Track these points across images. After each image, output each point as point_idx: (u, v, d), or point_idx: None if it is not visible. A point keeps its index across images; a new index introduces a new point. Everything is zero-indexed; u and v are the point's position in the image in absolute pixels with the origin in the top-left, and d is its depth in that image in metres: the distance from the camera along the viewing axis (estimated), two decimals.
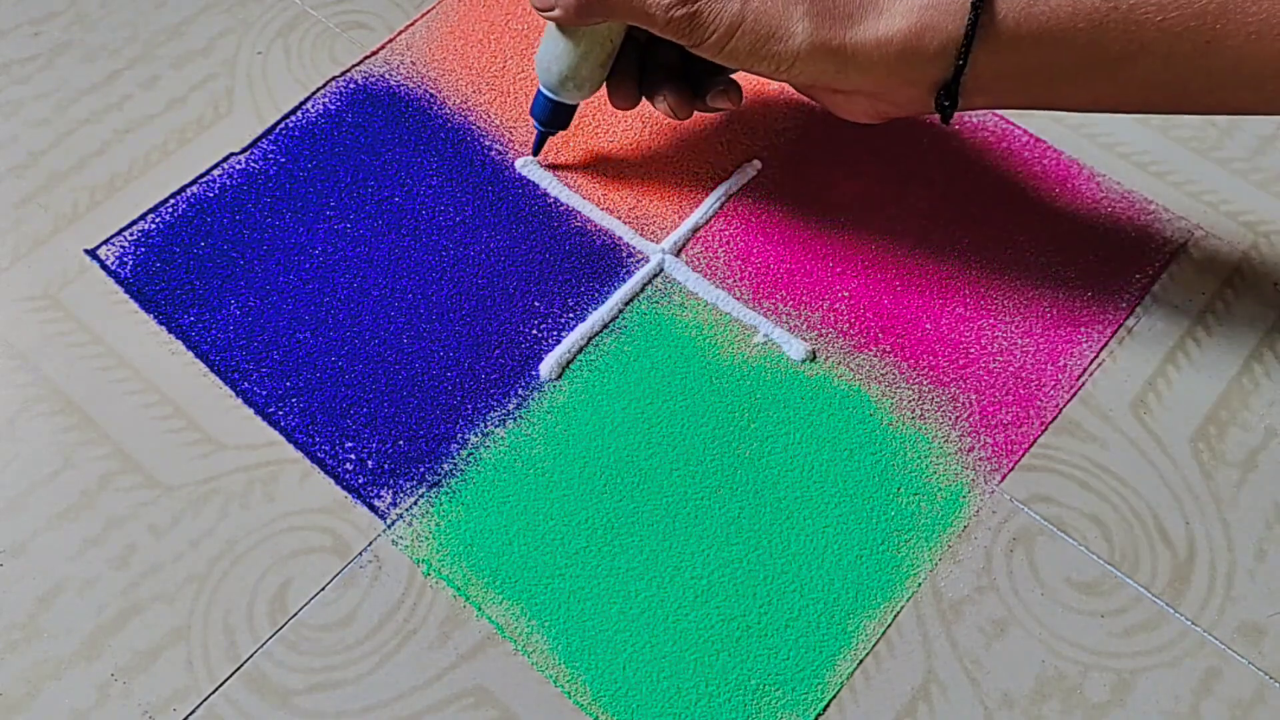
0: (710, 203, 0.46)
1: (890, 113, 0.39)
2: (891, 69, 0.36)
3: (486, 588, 0.38)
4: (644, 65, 0.42)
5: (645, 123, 0.48)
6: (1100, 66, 0.35)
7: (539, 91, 0.43)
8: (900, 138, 0.48)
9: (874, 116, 0.40)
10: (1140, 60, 0.34)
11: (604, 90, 0.43)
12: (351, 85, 0.49)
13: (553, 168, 0.47)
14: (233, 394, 0.41)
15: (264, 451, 0.40)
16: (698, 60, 0.40)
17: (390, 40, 0.50)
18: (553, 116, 0.44)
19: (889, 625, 0.37)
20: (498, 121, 0.48)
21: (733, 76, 0.42)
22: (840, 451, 0.40)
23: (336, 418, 0.41)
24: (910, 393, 0.42)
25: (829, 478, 0.40)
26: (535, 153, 0.46)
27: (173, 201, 0.46)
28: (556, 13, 0.39)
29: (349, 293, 0.43)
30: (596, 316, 0.43)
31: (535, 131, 0.45)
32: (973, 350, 0.43)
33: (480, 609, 0.37)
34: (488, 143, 0.47)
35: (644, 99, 0.43)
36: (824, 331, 0.43)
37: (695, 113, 0.43)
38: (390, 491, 0.39)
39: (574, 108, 0.44)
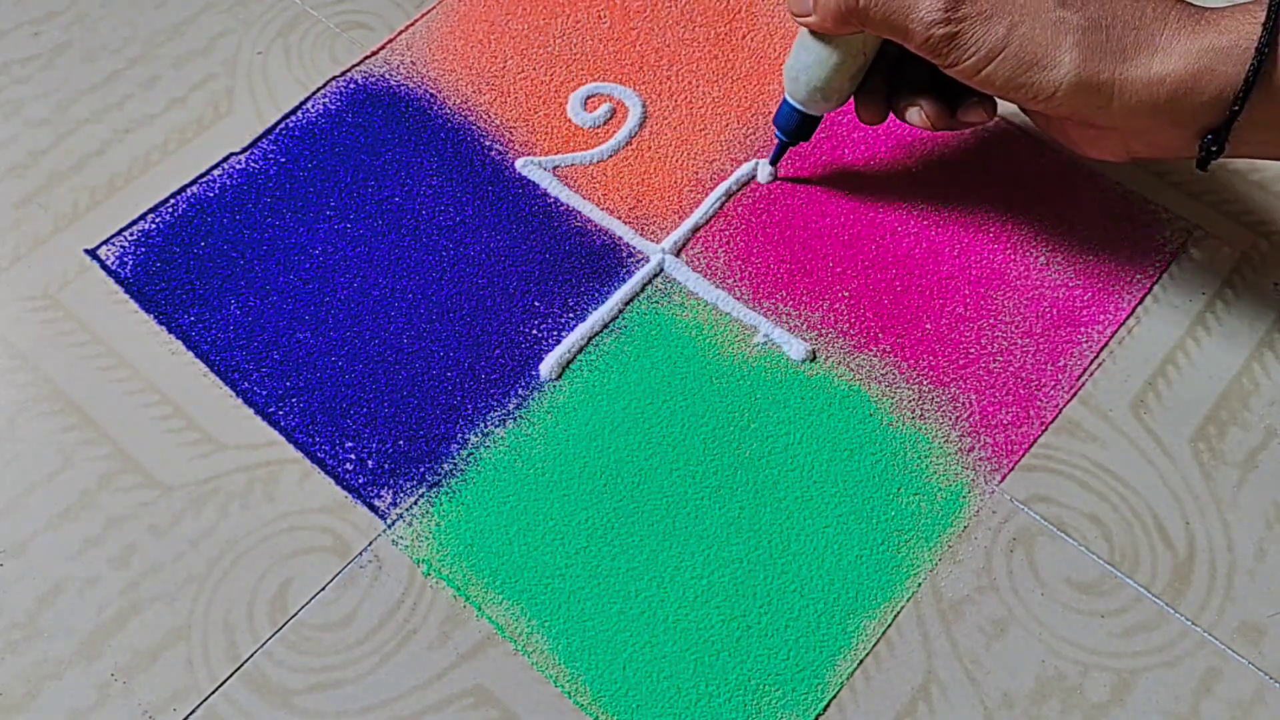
0: (710, 203, 0.46)
1: (1142, 153, 0.38)
2: (1159, 110, 0.35)
3: (486, 588, 0.38)
4: (893, 79, 0.41)
5: (646, 120, 0.48)
6: None
7: (784, 101, 0.42)
8: (901, 138, 0.48)
9: (1122, 155, 0.38)
10: None
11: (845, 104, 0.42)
12: (351, 85, 0.49)
13: (789, 180, 0.46)
14: (233, 394, 0.41)
15: (264, 451, 0.40)
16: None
17: (390, 40, 0.50)
18: (798, 128, 0.43)
19: (889, 625, 0.37)
20: (498, 121, 0.48)
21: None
22: (840, 451, 0.40)
23: (336, 418, 0.41)
24: (910, 393, 0.42)
25: (829, 478, 0.40)
26: (773, 163, 0.45)
27: (173, 201, 0.46)
28: (813, 19, 0.38)
29: (349, 293, 0.43)
30: (596, 316, 0.43)
31: (778, 140, 0.44)
32: (973, 350, 0.43)
33: (480, 609, 0.37)
34: (488, 143, 0.47)
35: (892, 113, 0.42)
36: (824, 331, 0.43)
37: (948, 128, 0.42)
38: (390, 491, 0.39)
39: (819, 119, 0.43)
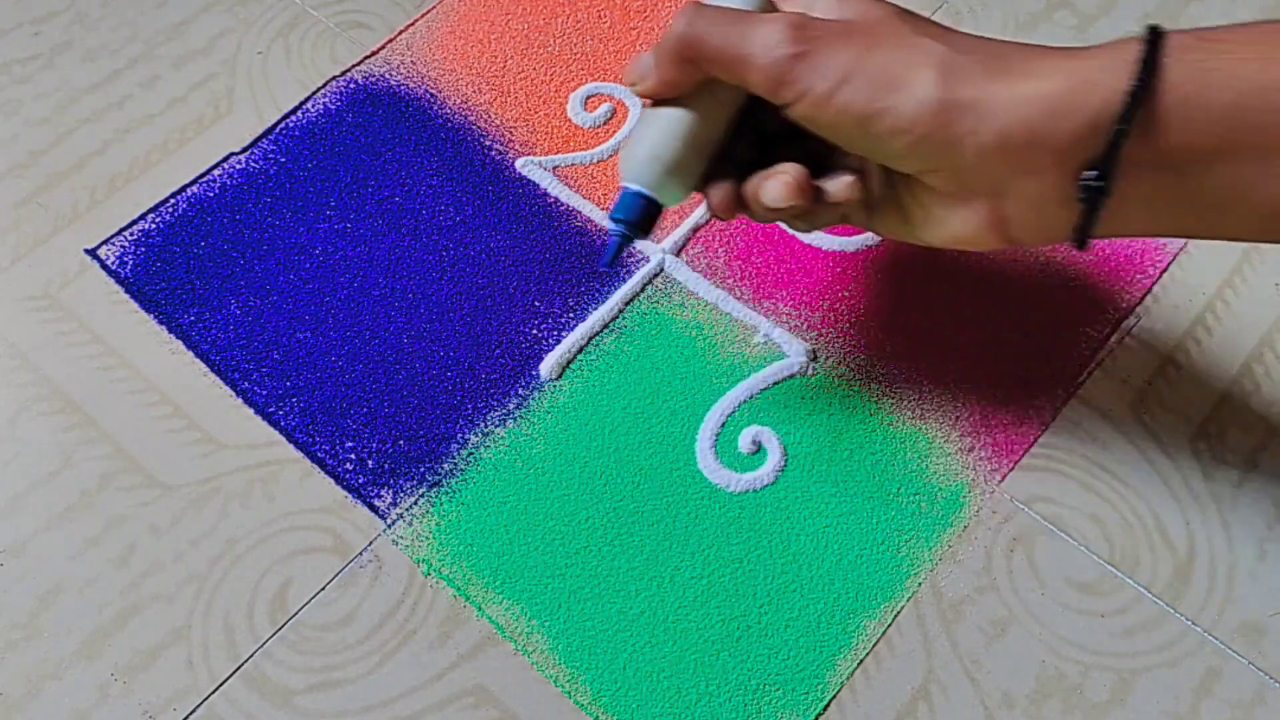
0: None
1: (1015, 218, 0.32)
2: (1033, 132, 0.29)
3: (486, 588, 0.38)
4: (744, 172, 0.35)
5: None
6: None
7: (625, 190, 0.35)
8: None
9: (993, 231, 0.32)
10: None
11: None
12: (352, 85, 0.49)
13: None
14: (233, 394, 0.41)
15: (264, 451, 0.40)
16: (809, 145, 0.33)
17: (390, 40, 0.50)
18: (640, 218, 0.35)
19: (889, 625, 0.37)
20: (498, 121, 0.48)
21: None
22: (840, 451, 0.40)
23: (336, 418, 0.41)
24: (910, 393, 0.42)
25: (829, 478, 0.40)
26: (610, 263, 0.37)
27: (173, 201, 0.46)
28: (651, 80, 0.33)
29: (349, 293, 0.43)
30: (596, 316, 0.43)
31: (611, 239, 0.36)
32: (973, 350, 0.43)
33: (480, 609, 0.37)
34: (488, 143, 0.47)
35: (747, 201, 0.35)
36: (824, 331, 0.43)
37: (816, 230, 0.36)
38: (390, 491, 0.39)
39: (660, 212, 0.36)
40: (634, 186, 0.35)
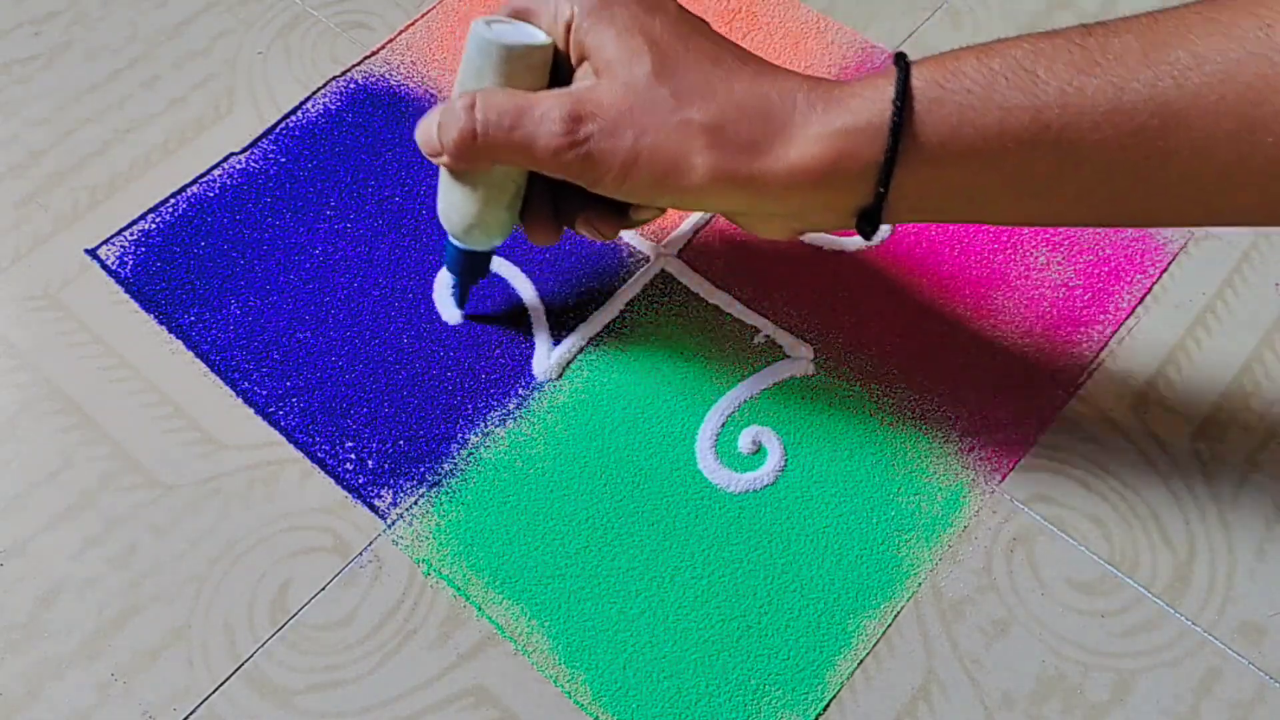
0: None
1: (808, 231, 0.37)
2: (807, 197, 0.33)
3: (486, 588, 0.38)
4: (557, 195, 0.38)
5: None
6: (1032, 185, 0.32)
7: (447, 242, 0.39)
8: None
9: (791, 235, 0.37)
10: (1075, 179, 0.32)
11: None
12: (352, 85, 0.49)
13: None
14: (233, 394, 0.41)
15: (264, 451, 0.40)
16: None
17: (391, 40, 0.50)
18: (468, 267, 0.40)
19: (889, 625, 0.37)
20: None
21: None
22: (840, 451, 0.40)
23: (336, 418, 0.41)
24: (910, 393, 0.42)
25: (829, 478, 0.40)
26: (460, 305, 0.42)
27: (173, 201, 0.46)
28: (444, 159, 0.35)
29: (349, 293, 0.43)
30: (597, 316, 0.43)
31: (454, 287, 0.42)
32: (972, 351, 0.43)
33: (480, 609, 0.37)
34: None
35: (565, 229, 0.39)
36: (824, 331, 0.43)
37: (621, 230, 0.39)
38: (390, 491, 0.39)
39: (490, 254, 0.40)
40: (457, 244, 0.39)
